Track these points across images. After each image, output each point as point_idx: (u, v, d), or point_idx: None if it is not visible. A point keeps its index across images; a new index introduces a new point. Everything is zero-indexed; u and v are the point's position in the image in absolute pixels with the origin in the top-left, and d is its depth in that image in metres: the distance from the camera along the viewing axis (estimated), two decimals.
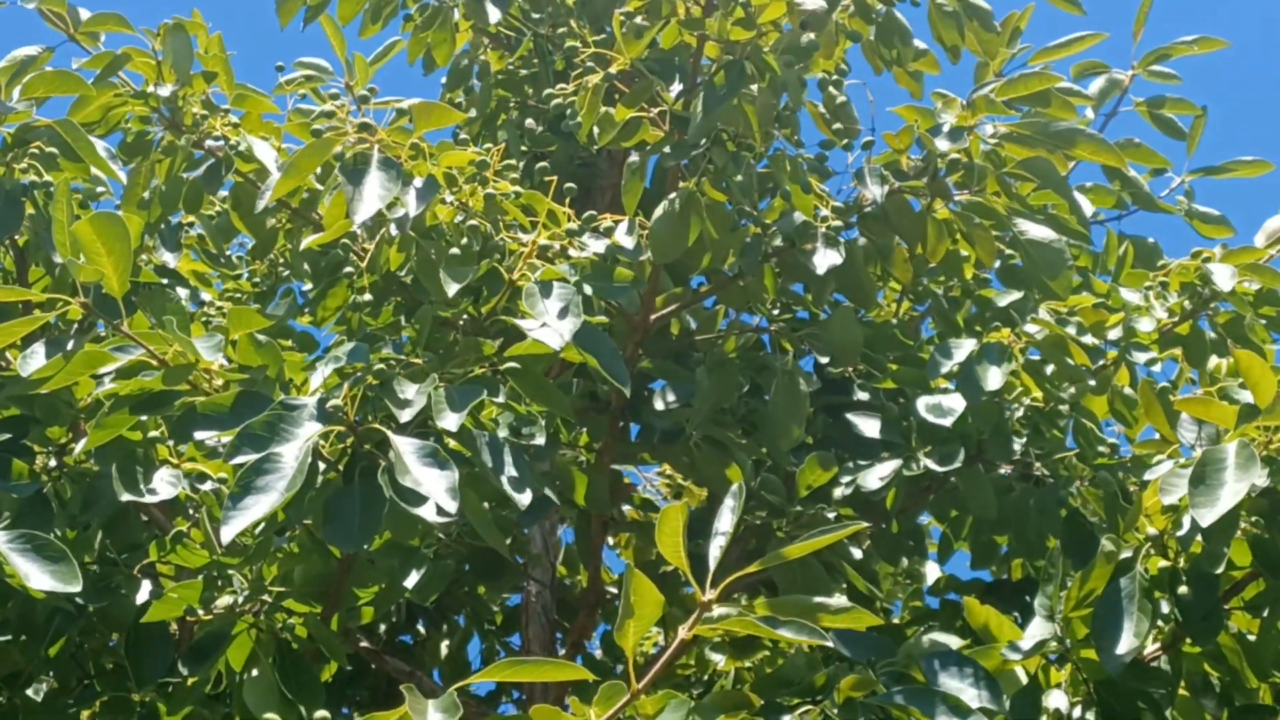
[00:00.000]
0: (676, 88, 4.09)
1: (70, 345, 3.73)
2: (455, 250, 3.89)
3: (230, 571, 3.96)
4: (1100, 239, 5.01)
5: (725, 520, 2.99)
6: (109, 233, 3.65)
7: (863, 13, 4.47)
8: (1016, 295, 4.55)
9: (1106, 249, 5.03)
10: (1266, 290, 4.44)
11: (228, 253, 5.21)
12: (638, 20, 4.05)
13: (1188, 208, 5.26)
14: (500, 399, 3.73)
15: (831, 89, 4.60)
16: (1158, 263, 4.88)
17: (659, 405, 4.52)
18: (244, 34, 4.73)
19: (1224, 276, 4.34)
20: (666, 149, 4.08)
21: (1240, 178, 5.26)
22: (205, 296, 5.11)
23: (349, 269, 4.25)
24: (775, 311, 4.51)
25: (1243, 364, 3.64)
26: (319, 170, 4.12)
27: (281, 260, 5.20)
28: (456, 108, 5.01)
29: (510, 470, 3.60)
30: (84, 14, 4.55)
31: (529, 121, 4.80)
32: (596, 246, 4.01)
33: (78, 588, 3.43)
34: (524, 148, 4.83)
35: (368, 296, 4.15)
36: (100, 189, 4.38)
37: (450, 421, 3.55)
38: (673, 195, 4.09)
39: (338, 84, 5.15)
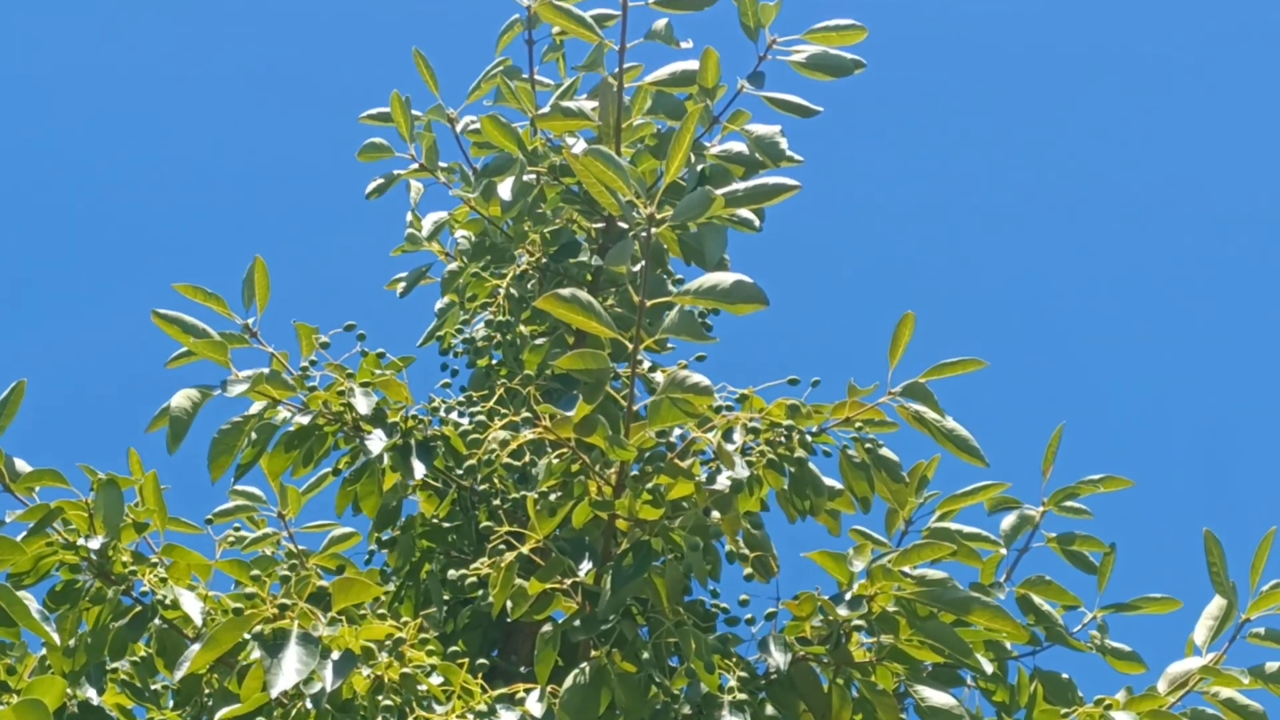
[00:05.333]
0: (587, 565, 4.23)
1: None
2: None
3: None
4: (1014, 673, 5.12)
5: None
6: (30, 717, 3.74)
7: (775, 466, 4.63)
8: None
9: (1019, 686, 5.13)
10: None
11: (153, 686, 5.27)
12: (551, 498, 4.21)
13: (1100, 642, 5.34)
14: None
15: (748, 525, 4.74)
16: (1071, 699, 4.98)
17: None
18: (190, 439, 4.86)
19: None
20: (576, 623, 4.20)
21: (1151, 614, 5.35)
22: None
23: None
24: None
25: None
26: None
27: (208, 690, 5.26)
28: (382, 544, 5.15)
29: None
30: (21, 465, 4.67)
31: (451, 572, 4.92)
32: (509, 717, 4.09)
33: None
34: (446, 596, 4.95)
35: None
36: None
37: None
38: (584, 665, 4.21)
39: (270, 512, 5.30)
